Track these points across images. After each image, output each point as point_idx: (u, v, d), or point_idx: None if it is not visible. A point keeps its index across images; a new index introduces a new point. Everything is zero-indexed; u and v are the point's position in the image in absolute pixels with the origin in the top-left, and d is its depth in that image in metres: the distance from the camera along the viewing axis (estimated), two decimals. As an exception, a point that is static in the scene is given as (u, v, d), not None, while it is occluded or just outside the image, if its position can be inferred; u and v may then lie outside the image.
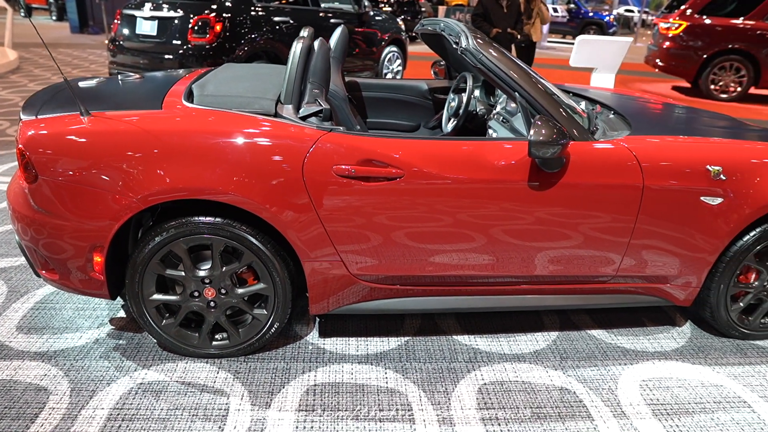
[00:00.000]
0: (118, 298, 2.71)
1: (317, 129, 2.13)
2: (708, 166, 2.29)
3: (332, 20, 6.68)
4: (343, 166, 2.09)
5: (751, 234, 2.41)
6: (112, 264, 2.23)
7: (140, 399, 2.09)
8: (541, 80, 2.44)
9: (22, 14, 2.08)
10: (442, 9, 20.12)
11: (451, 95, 3.21)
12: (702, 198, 2.30)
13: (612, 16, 18.51)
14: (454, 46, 2.36)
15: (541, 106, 2.23)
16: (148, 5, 5.61)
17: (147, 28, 5.67)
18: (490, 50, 2.29)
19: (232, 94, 2.34)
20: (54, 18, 19.22)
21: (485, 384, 2.25)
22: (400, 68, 8.17)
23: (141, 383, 2.18)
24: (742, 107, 8.40)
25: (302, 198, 2.10)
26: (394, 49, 7.88)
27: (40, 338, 2.42)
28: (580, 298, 2.46)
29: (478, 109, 3.13)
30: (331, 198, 2.11)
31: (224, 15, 5.58)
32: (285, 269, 2.23)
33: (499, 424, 2.04)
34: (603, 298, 2.49)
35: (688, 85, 9.67)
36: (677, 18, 8.71)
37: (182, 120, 2.11)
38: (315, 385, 2.21)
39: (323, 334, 2.54)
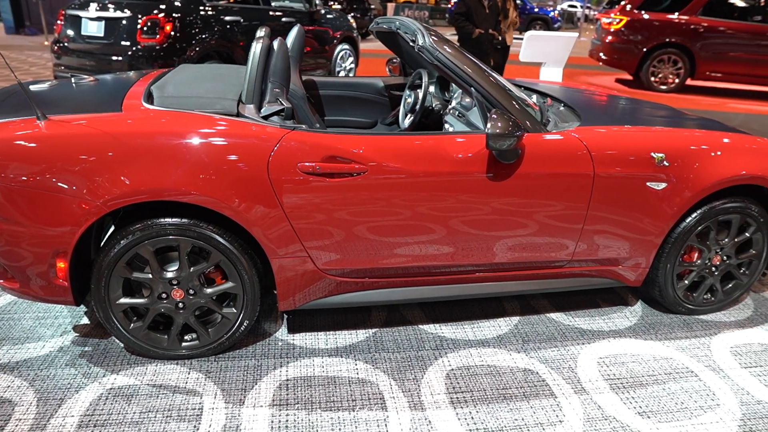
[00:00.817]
0: (81, 305, 2.67)
1: (280, 127, 2.16)
2: (652, 154, 2.44)
3: (283, 19, 6.66)
4: (308, 164, 2.12)
5: (693, 216, 2.57)
6: (75, 269, 2.20)
7: (111, 404, 2.08)
8: (495, 75, 2.54)
9: None
10: (391, 6, 20.24)
11: (407, 92, 3.29)
12: (648, 183, 2.45)
13: (556, 12, 19.08)
14: (411, 44, 2.42)
15: (496, 100, 2.32)
16: (93, 5, 5.47)
17: (93, 29, 5.52)
18: (446, 47, 2.37)
19: (193, 95, 2.34)
20: None
21: (452, 369, 2.34)
22: (352, 66, 8.21)
23: (111, 388, 2.16)
24: (680, 98, 8.83)
25: (268, 196, 2.13)
26: (347, 47, 7.92)
27: (0, 350, 2.36)
28: (539, 283, 2.58)
29: (434, 105, 3.21)
30: (297, 195, 2.14)
31: (174, 15, 5.50)
32: (253, 267, 2.26)
33: (468, 407, 2.13)
34: (560, 282, 2.61)
35: (630, 77, 10.06)
36: (618, 13, 9.08)
37: (144, 121, 2.10)
38: (287, 380, 2.25)
39: (292, 329, 2.58)
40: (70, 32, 5.70)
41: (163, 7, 5.46)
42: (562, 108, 2.90)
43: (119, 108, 2.20)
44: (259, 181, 2.11)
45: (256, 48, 2.33)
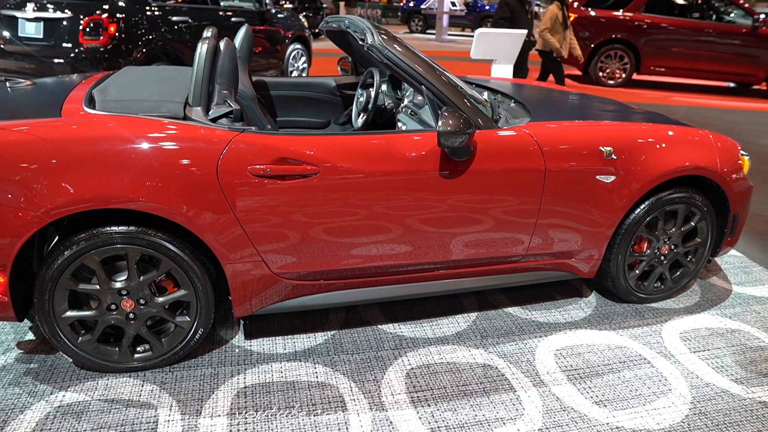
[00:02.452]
0: (25, 320, 2.55)
1: (229, 130, 2.11)
2: (601, 147, 2.49)
3: (233, 19, 6.53)
4: (258, 166, 2.08)
5: (641, 207, 2.64)
6: (17, 283, 2.09)
7: (60, 423, 1.99)
8: (446, 73, 2.55)
9: None
10: (342, 5, 20.17)
11: (359, 91, 3.27)
12: (597, 177, 2.50)
13: (507, 9, 19.41)
14: (360, 43, 2.41)
15: (447, 97, 2.33)
16: (30, 5, 5.23)
17: (31, 30, 5.29)
18: (396, 46, 2.36)
19: (138, 98, 2.26)
20: None
21: (412, 368, 2.34)
22: (305, 66, 8.14)
23: (59, 406, 2.07)
24: (627, 92, 9.11)
25: (218, 200, 2.08)
26: (299, 46, 7.84)
27: (-63, 371, 2.23)
28: (496, 278, 2.61)
29: (386, 104, 3.20)
30: (248, 198, 2.10)
31: (118, 15, 5.32)
32: (206, 274, 2.20)
33: (429, 405, 2.13)
34: (516, 277, 2.64)
35: (579, 72, 10.31)
36: (564, 10, 9.28)
37: (85, 127, 2.01)
38: (245, 387, 2.20)
39: (249, 335, 2.53)
40: (6, 34, 5.45)
41: (106, 7, 5.28)
42: (512, 104, 2.93)
43: (58, 113, 2.11)
44: (208, 186, 2.06)
45: (202, 49, 2.27)
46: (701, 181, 2.86)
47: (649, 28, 8.87)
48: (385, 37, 2.38)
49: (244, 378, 2.26)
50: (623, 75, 9.25)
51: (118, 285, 2.13)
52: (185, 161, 2.03)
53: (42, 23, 5.24)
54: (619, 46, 9.07)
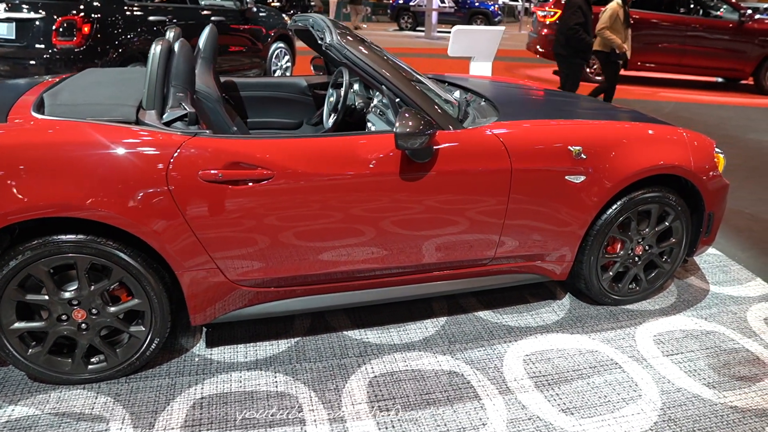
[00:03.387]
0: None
1: (181, 134, 2.04)
2: (569, 147, 2.43)
3: (213, 18, 6.44)
4: (210, 171, 2.01)
5: (613, 207, 2.58)
6: None
7: (4, 439, 1.92)
8: (412, 72, 2.48)
9: None
10: (333, 2, 20.04)
11: (330, 90, 3.19)
12: (566, 177, 2.44)
13: (497, 6, 19.32)
14: (319, 42, 2.34)
15: (408, 97, 2.26)
16: (2, 6, 5.13)
17: (3, 30, 5.18)
18: (355, 44, 2.29)
19: (89, 102, 2.19)
20: None
21: (376, 377, 2.27)
22: (288, 64, 8.05)
23: (7, 421, 2.00)
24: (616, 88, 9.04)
25: (169, 207, 2.01)
26: (282, 45, 7.74)
27: None
28: (465, 282, 2.54)
29: (356, 103, 3.13)
30: (199, 205, 2.03)
31: (93, 15, 5.22)
32: (160, 282, 2.13)
33: (390, 415, 2.07)
34: (487, 280, 2.58)
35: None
36: (552, 6, 9.22)
37: (29, 133, 1.94)
38: (202, 398, 2.13)
39: (211, 343, 2.46)
40: (-20, 35, 5.34)
41: (81, 7, 5.18)
42: (483, 103, 2.86)
43: (4, 119, 2.04)
44: (158, 192, 1.99)
45: (155, 50, 2.20)
46: (676, 180, 2.79)
47: (636, 24, 8.80)
48: (345, 36, 2.31)
49: (202, 388, 2.19)
50: (611, 71, 9.17)
51: (68, 295, 2.06)
52: (134, 167, 1.96)
53: (14, 24, 5.14)
54: (606, 42, 8.99)
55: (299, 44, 14.14)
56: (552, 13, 9.15)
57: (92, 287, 2.07)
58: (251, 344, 2.46)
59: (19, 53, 5.21)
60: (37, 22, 5.10)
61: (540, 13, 9.47)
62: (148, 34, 5.66)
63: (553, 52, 6.07)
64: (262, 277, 2.23)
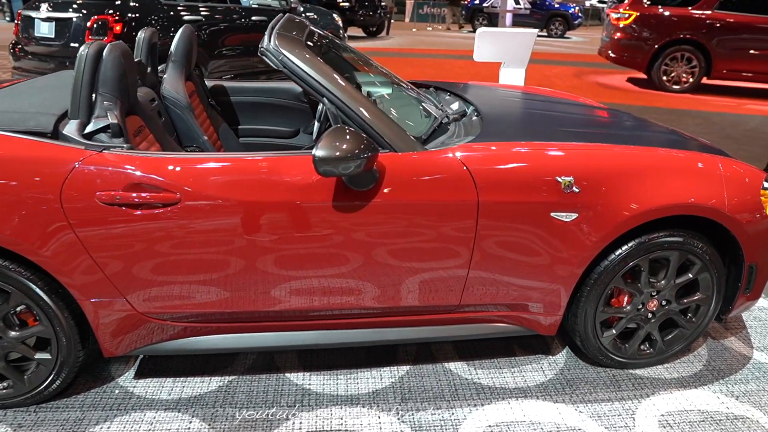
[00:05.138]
0: None
1: (85, 149, 1.82)
2: (557, 177, 1.98)
3: (254, 18, 6.33)
4: (109, 192, 1.77)
5: (617, 253, 2.11)
6: None
7: None
8: (389, 82, 2.12)
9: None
10: (410, 4, 19.74)
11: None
12: (553, 214, 2.00)
13: (577, 8, 18.21)
14: (261, 47, 2.03)
15: (353, 112, 1.91)
16: (44, 6, 5.25)
17: (45, 30, 5.30)
18: (297, 50, 1.96)
19: (10, 110, 2.00)
20: (7, 19, 18.63)
21: (297, 439, 1.94)
22: (339, 66, 7.83)
23: None
24: (694, 98, 8.15)
25: (64, 230, 1.78)
26: (331, 46, 7.53)
27: None
28: (427, 330, 2.16)
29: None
30: (97, 229, 1.79)
31: (129, 15, 5.23)
32: (65, 308, 1.92)
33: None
34: (454, 330, 2.18)
35: (644, 76, 9.36)
36: (627, 8, 8.43)
37: None
38: (99, 445, 1.90)
39: (141, 374, 2.23)
40: (26, 33, 5.51)
41: (118, 3, 5.20)
42: (475, 118, 2.45)
43: None
44: (52, 213, 1.77)
45: (81, 54, 1.98)
46: (708, 222, 2.26)
47: (723, 27, 7.87)
48: (286, 40, 1.99)
49: (108, 427, 1.96)
50: (690, 79, 8.27)
51: (-35, 318, 1.89)
52: (28, 184, 1.75)
53: (54, 23, 5.24)
54: (687, 47, 8.12)
55: (356, 44, 13.96)
56: (626, 16, 8.37)
57: (-8, 311, 1.89)
58: (181, 379, 2.21)
59: (58, 52, 5.33)
60: (74, 21, 5.17)
61: (613, 15, 8.69)
62: (184, 33, 5.62)
63: None
64: (175, 311, 1.96)
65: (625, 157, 2.09)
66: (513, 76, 4.63)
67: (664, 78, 8.37)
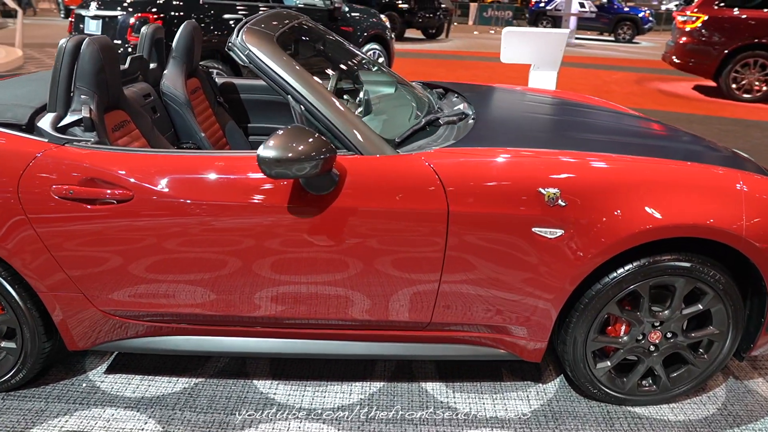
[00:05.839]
0: None
1: (48, 142, 1.80)
2: (540, 189, 1.80)
3: (296, 17, 6.34)
4: (63, 186, 1.74)
5: (611, 276, 1.89)
6: None
7: None
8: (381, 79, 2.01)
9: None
10: (474, 6, 19.41)
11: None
12: (534, 229, 1.81)
13: (648, 12, 17.26)
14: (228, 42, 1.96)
15: (317, 111, 1.80)
16: (93, 4, 5.46)
17: (93, 27, 5.51)
18: (264, 45, 1.87)
19: None
20: (62, 15, 19.72)
21: (244, 453, 1.85)
22: (385, 67, 7.75)
23: None
24: (765, 108, 7.50)
25: (22, 223, 1.78)
26: (376, 46, 7.46)
27: None
28: (396, 347, 2.02)
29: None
30: (53, 224, 1.77)
31: (171, 13, 5.35)
32: (28, 300, 1.92)
33: None
34: (427, 348, 2.03)
35: (714, 84, 8.73)
36: (695, 10, 7.88)
37: None
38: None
39: (112, 369, 2.22)
40: (77, 31, 5.75)
41: (160, 2, 5.33)
42: (471, 122, 2.28)
43: None
44: (10, 205, 1.77)
45: (60, 47, 1.98)
46: (724, 247, 1.99)
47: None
48: (257, 34, 1.90)
49: (67, 420, 1.95)
50: (764, 88, 7.63)
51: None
52: (-14, 174, 1.76)
53: (101, 21, 5.43)
54: (761, 53, 7.48)
55: (412, 46, 13.82)
56: (693, 18, 7.82)
57: (-42, 298, 1.91)
58: (149, 378, 2.17)
59: (104, 48, 5.49)
60: (119, 19, 5.33)
61: (680, 18, 8.14)
62: (221, 33, 5.69)
63: None
64: (137, 309, 1.92)
65: (624, 168, 1.87)
66: (543, 79, 4.36)
67: (734, 86, 7.77)
